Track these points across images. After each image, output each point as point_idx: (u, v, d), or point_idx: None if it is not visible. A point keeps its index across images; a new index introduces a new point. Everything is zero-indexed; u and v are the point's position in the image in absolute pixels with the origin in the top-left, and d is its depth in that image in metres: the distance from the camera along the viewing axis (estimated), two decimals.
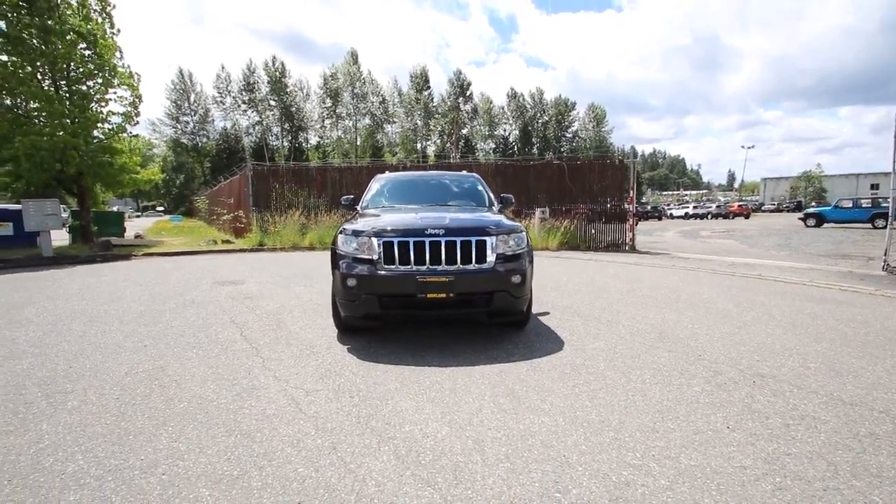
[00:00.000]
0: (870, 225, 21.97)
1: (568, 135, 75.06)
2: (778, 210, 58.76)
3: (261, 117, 56.70)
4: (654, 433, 2.31)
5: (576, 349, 3.68)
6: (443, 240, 3.51)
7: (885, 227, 20.93)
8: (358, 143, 59.54)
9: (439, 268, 3.48)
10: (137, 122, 14.54)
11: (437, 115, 63.44)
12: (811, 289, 6.53)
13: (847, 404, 2.62)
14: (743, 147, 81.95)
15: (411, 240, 3.50)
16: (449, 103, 63.95)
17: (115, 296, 6.18)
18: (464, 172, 6.01)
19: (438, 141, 64.97)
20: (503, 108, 69.64)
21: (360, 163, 24.55)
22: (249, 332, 4.27)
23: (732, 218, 41.59)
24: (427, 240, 3.51)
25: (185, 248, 13.34)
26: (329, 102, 58.52)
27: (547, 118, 73.00)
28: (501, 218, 4.13)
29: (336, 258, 3.74)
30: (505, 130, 70.55)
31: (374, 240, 3.55)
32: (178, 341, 4.00)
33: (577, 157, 41.98)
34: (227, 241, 14.63)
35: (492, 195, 5.24)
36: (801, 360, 3.41)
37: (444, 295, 3.46)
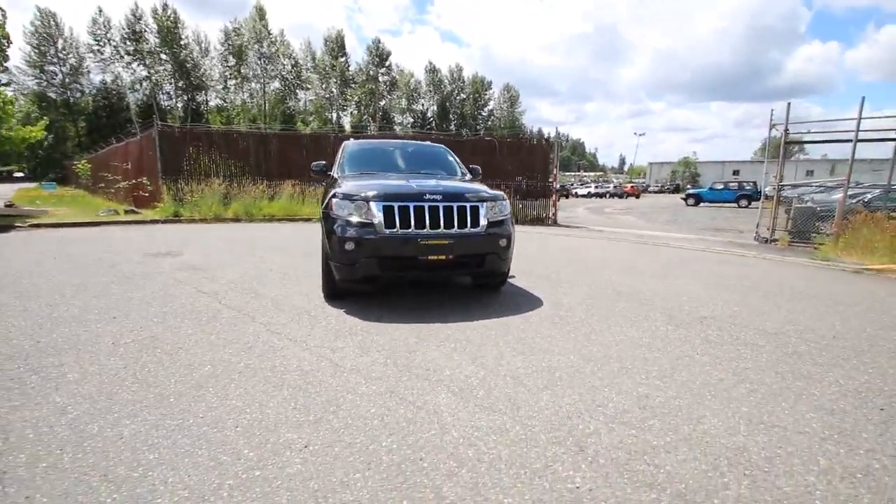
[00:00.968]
0: (735, 204, 26.16)
1: (484, 113, 76.76)
2: (661, 191, 66.65)
3: (149, 72, 48.91)
4: (646, 362, 2.83)
5: (554, 304, 4.16)
6: (441, 205, 3.70)
7: (747, 207, 25.15)
8: (266, 108, 54.97)
9: (441, 231, 3.68)
10: (5, 69, 12.07)
11: (353, 85, 60.76)
12: (709, 254, 7.86)
13: (771, 334, 3.41)
14: (636, 134, 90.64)
15: (411, 204, 3.64)
16: (367, 73, 61.55)
17: (30, 270, 5.36)
18: (428, 143, 6.15)
19: (356, 112, 62.52)
20: (421, 83, 68.87)
21: (305, 130, 22.92)
22: (229, 301, 4.10)
23: (626, 197, 46.38)
24: (426, 204, 3.67)
25: (81, 218, 11.62)
26: (233, 61, 52.71)
27: (464, 96, 73.83)
28: (484, 186, 4.41)
29: (331, 223, 3.75)
30: (423, 105, 70.06)
31: (374, 204, 3.63)
32: (151, 311, 3.73)
33: (516, 134, 43.27)
34: (132, 212, 12.98)
35: (462, 165, 5.47)
36: (726, 304, 4.26)
37: (443, 257, 3.68)
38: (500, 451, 1.86)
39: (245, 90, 55.85)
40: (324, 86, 59.75)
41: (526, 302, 4.23)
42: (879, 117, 10.54)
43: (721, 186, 27.83)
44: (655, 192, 66.13)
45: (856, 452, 1.90)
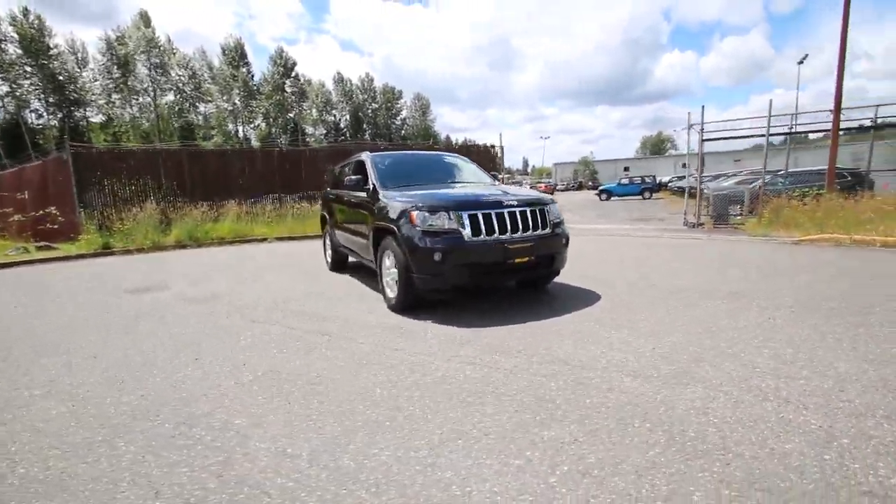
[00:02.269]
0: (640, 196, 29.57)
1: (397, 122, 77.36)
2: (567, 189, 72.42)
3: (12, 87, 41.58)
4: (708, 333, 3.45)
5: (609, 298, 4.52)
6: (517, 210, 4.02)
7: (650, 198, 28.59)
8: (160, 123, 49.90)
9: (524, 234, 4.00)
10: None
11: (259, 96, 57.62)
12: (661, 239, 9.10)
13: (747, 297, 4.27)
14: (541, 137, 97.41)
15: (493, 211, 3.92)
16: (273, 83, 58.73)
17: (29, 312, 4.66)
18: (445, 153, 6.45)
19: (263, 124, 59.31)
20: (332, 93, 67.46)
21: (263, 148, 21.16)
22: (302, 327, 3.95)
23: None
24: (506, 210, 3.97)
25: None
26: (117, 73, 47.03)
27: (377, 105, 73.78)
28: (533, 191, 4.86)
29: (412, 235, 3.84)
30: (335, 116, 68.64)
31: (460, 213, 3.85)
32: (226, 347, 3.57)
33: (465, 141, 43.83)
34: (48, 247, 11.27)
35: (487, 173, 5.80)
36: (741, 281, 5.13)
37: (527, 259, 4.00)
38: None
39: (134, 104, 50.21)
40: (225, 98, 55.84)
41: (575, 296, 4.63)
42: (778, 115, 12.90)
43: (627, 182, 31.34)
44: (562, 190, 71.75)
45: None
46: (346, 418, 2.31)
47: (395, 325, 3.90)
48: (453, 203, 3.96)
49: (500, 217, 3.95)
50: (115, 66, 46.99)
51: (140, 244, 11.18)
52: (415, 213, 3.91)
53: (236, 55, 56.26)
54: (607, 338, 3.32)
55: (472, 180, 5.39)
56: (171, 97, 51.86)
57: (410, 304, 4.14)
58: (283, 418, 2.33)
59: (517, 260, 3.97)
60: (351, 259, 6.28)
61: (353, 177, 5.07)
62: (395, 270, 4.12)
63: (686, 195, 13.73)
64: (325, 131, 66.20)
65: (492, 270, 4.01)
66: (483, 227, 3.88)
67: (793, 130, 12.02)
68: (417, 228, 3.86)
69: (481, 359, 3.02)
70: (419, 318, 4.02)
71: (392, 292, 4.30)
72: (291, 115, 60.87)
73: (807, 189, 10.63)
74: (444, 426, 2.19)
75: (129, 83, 48.06)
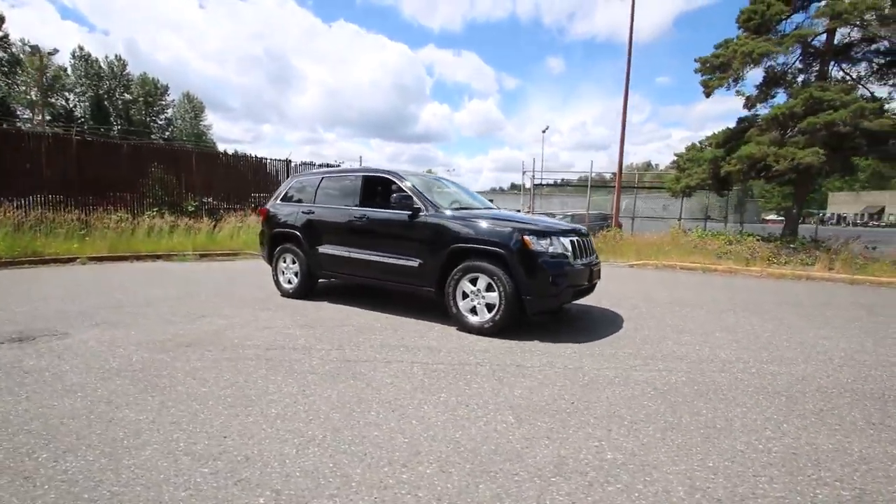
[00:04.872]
0: None
1: (161, 121, 64.37)
2: None
3: None
4: (756, 336, 4.85)
5: (627, 311, 5.63)
6: (585, 238, 4.62)
7: None
8: None
9: (594, 258, 4.66)
10: None
11: None
12: None
13: (702, 304, 6.13)
14: (336, 162, 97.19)
15: (577, 238, 4.40)
16: None
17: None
18: (446, 178, 6.36)
19: None
20: (68, 72, 51.12)
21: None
22: (354, 354, 3.51)
23: None
24: (584, 238, 4.57)
25: None
26: None
27: (130, 96, 59.68)
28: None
29: (531, 258, 3.99)
30: (70, 100, 52.08)
31: (564, 239, 4.19)
32: (326, 391, 2.93)
33: (259, 157, 37.74)
34: None
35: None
36: (662, 291, 6.89)
37: (596, 281, 4.64)
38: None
39: None
40: None
41: (590, 312, 5.51)
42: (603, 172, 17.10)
43: None
44: None
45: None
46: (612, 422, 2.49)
47: (509, 347, 3.86)
48: (556, 230, 4.31)
49: (582, 243, 4.50)
50: None
51: None
52: (530, 238, 4.04)
53: None
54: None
55: (489, 206, 5.63)
56: None
57: (506, 325, 4.16)
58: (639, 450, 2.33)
59: (594, 281, 4.60)
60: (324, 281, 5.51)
61: (399, 194, 4.68)
62: (493, 294, 4.11)
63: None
64: (49, 117, 49.39)
65: (582, 291, 4.47)
66: (578, 251, 4.36)
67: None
68: (535, 252, 4.02)
69: (630, 363, 3.54)
70: (522, 338, 4.09)
71: (477, 317, 4.24)
72: None
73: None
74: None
75: None
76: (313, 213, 5.54)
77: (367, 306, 5.29)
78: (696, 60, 12.94)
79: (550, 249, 4.12)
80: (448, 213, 4.57)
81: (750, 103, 13.30)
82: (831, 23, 10.98)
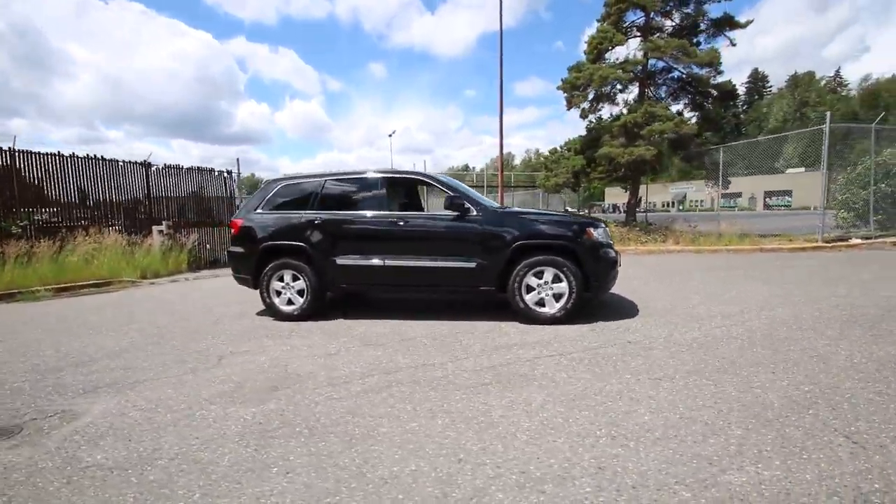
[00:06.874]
0: None
1: None
2: None
3: None
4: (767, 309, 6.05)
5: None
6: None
7: None
8: None
9: None
10: None
11: None
12: None
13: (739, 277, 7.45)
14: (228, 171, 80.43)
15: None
16: None
17: None
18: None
19: None
20: None
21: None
22: (482, 363, 3.53)
23: None
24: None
25: None
26: None
27: None
28: None
29: (598, 248, 4.46)
30: None
31: (604, 230, 4.66)
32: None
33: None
34: None
35: None
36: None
37: None
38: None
39: None
40: None
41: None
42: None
43: None
44: None
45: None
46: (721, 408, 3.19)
47: (590, 330, 4.20)
48: (601, 221, 4.77)
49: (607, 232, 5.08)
50: None
51: None
52: (594, 231, 4.44)
53: None
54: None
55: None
56: None
57: (575, 313, 4.44)
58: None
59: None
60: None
61: (454, 195, 4.51)
62: (561, 285, 4.37)
63: None
64: None
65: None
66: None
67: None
68: (599, 242, 4.44)
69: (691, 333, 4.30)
70: (586, 322, 4.46)
71: (545, 308, 4.45)
72: None
73: None
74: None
75: None
76: (323, 220, 4.85)
77: (384, 316, 4.93)
78: (562, 80, 15.22)
79: (606, 240, 4.60)
80: (500, 211, 4.65)
81: (584, 114, 16.30)
82: (651, 54, 14.30)
